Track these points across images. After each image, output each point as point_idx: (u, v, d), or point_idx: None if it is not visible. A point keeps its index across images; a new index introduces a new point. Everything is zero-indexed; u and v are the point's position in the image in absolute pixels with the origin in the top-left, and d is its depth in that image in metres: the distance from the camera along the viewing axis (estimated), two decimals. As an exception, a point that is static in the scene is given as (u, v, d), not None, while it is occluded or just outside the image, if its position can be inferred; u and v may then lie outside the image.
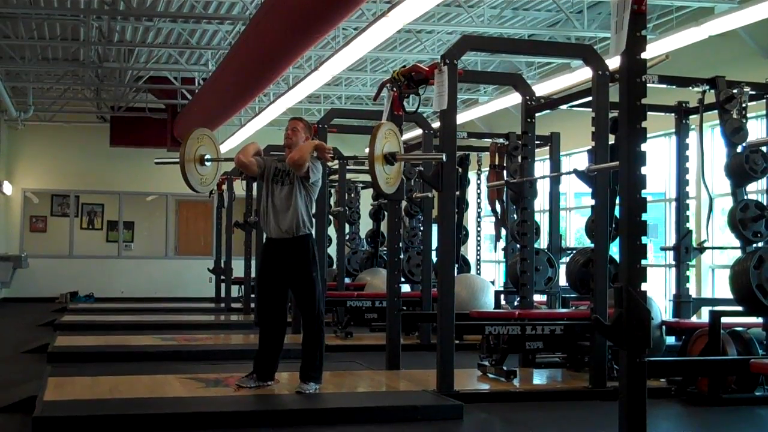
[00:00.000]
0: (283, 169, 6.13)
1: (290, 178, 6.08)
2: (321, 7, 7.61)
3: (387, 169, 6.04)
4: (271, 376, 6.13)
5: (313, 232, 6.23)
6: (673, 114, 7.73)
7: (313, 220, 6.26)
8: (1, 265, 16.13)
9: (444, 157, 6.26)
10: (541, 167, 11.37)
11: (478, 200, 11.40)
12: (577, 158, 13.06)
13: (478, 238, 11.59)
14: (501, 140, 9.26)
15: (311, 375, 5.98)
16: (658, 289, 11.14)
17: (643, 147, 4.20)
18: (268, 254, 6.19)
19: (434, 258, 8.50)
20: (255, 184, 12.24)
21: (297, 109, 16.23)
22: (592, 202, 6.47)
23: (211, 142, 6.77)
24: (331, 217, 11.82)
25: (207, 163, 6.62)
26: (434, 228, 7.66)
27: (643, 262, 4.18)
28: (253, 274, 12.37)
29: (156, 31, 12.72)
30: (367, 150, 5.97)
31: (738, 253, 6.58)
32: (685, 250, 7.75)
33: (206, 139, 6.71)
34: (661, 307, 7.99)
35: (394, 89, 6.74)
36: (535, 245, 8.09)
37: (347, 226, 12.57)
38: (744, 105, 6.74)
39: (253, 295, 12.09)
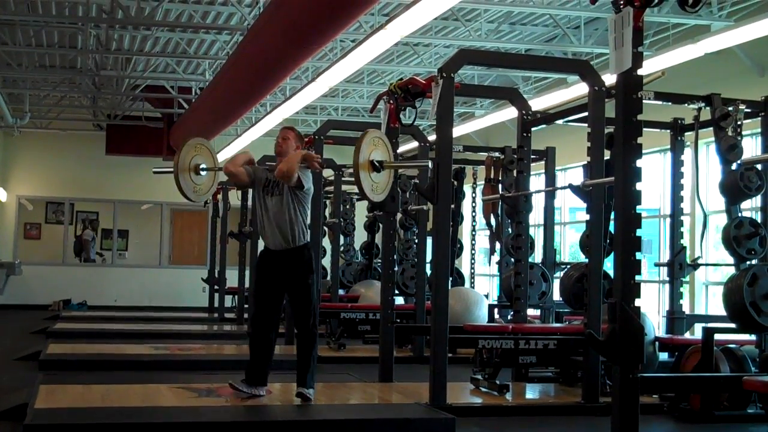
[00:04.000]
0: (274, 179, 6.13)
1: (281, 188, 6.08)
2: (319, 19, 7.63)
3: (374, 176, 6.03)
4: (263, 381, 6.11)
5: (309, 238, 6.22)
6: (668, 130, 7.76)
7: (308, 230, 6.24)
8: (-6, 271, 16.10)
9: (430, 164, 6.27)
10: (537, 181, 11.37)
11: (473, 213, 11.41)
12: (572, 173, 13.07)
13: (473, 252, 11.59)
14: (496, 154, 9.28)
15: (308, 380, 5.99)
16: (652, 305, 11.13)
17: (639, 163, 4.21)
18: (265, 263, 6.18)
19: (428, 271, 8.49)
20: (250, 195, 12.25)
21: (293, 119, 16.24)
22: (587, 217, 6.48)
23: (208, 151, 6.78)
24: (325, 229, 11.81)
25: (202, 173, 6.62)
26: (429, 241, 7.66)
27: (637, 277, 4.19)
28: (247, 284, 12.35)
29: (154, 40, 12.73)
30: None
31: (732, 270, 6.59)
32: (679, 267, 7.76)
33: (203, 149, 6.71)
34: (655, 323, 8.00)
35: (391, 101, 6.77)
36: (530, 259, 8.11)
37: (342, 238, 12.56)
38: (739, 122, 6.76)
39: (246, 306, 12.08)
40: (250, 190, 11.92)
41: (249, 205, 12.34)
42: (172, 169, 6.59)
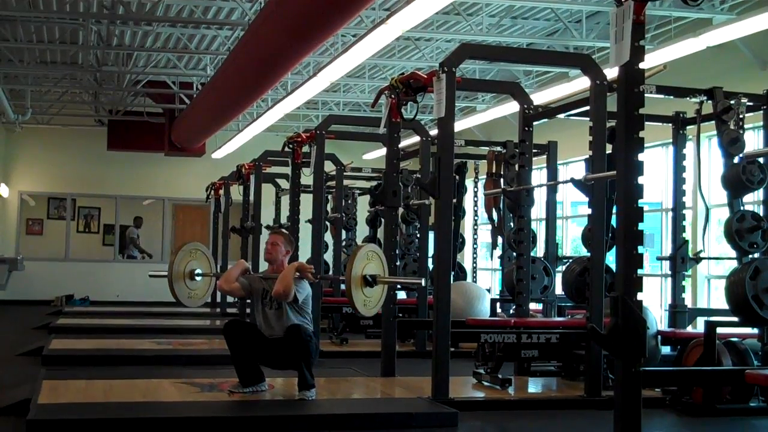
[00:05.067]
0: (270, 292, 6.06)
1: (279, 301, 6.03)
2: (320, 14, 7.62)
3: (367, 291, 6.01)
4: (258, 378, 6.10)
5: (312, 326, 6.17)
6: (670, 124, 7.75)
7: (312, 324, 6.16)
8: (-4, 267, 16.11)
9: (423, 282, 6.26)
10: (539, 176, 11.37)
11: (475, 208, 11.40)
12: (574, 167, 13.07)
13: (475, 246, 11.60)
14: (498, 148, 9.27)
15: (303, 384, 5.96)
16: (654, 299, 11.14)
17: (641, 157, 4.21)
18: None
19: (430, 265, 8.49)
20: (252, 191, 12.25)
21: (295, 114, 16.25)
22: (589, 211, 6.48)
23: (203, 255, 6.82)
24: (327, 224, 11.81)
25: (197, 278, 6.65)
26: (431, 235, 7.66)
27: (639, 271, 4.18)
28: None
29: (155, 36, 12.72)
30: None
31: (734, 264, 6.59)
32: (681, 260, 7.76)
33: (198, 253, 6.76)
34: (657, 317, 8.00)
35: (393, 96, 6.76)
36: (532, 253, 8.11)
37: (344, 233, 12.57)
38: (741, 116, 6.75)
39: (248, 300, 12.07)
40: (252, 186, 12.11)
41: (251, 200, 12.37)
42: (166, 273, 6.65)
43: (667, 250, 8.18)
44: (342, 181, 11.54)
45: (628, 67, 4.19)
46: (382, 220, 8.79)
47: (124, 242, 19.16)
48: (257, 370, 6.10)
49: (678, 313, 7.73)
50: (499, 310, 10.00)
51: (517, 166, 7.83)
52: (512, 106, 11.36)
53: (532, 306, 8.21)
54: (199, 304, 7.32)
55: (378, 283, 6.03)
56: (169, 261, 6.63)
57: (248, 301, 11.77)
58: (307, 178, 9.41)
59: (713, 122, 6.88)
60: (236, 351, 6.07)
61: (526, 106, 7.50)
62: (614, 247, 5.25)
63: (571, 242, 14.02)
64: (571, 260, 8.16)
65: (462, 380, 6.96)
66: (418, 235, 9.71)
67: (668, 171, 9.39)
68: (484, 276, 14.33)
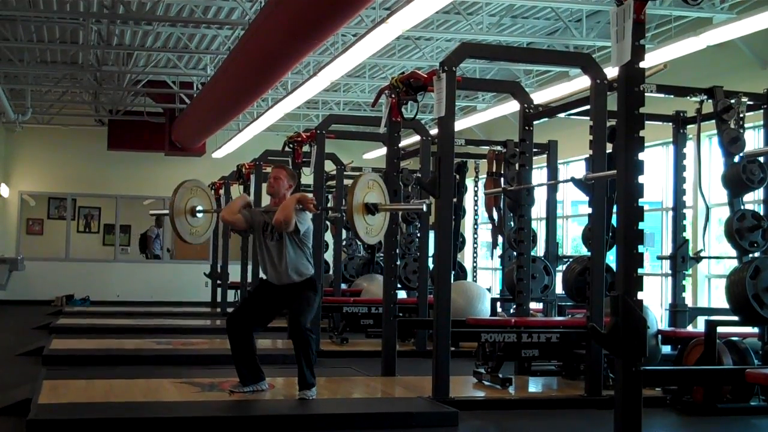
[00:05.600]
0: (271, 223, 6.08)
1: (279, 233, 6.04)
2: (320, 13, 7.62)
3: (369, 219, 6.03)
4: (259, 377, 6.10)
5: (313, 271, 6.17)
6: (670, 123, 7.75)
7: (311, 262, 6.16)
8: (-3, 267, 16.11)
9: (424, 207, 6.38)
10: (539, 175, 11.37)
11: (475, 207, 11.40)
12: (574, 166, 13.07)
13: (475, 245, 11.60)
14: (499, 148, 9.28)
15: (303, 383, 5.96)
16: (655, 298, 11.14)
17: (641, 156, 4.21)
18: (267, 288, 6.17)
19: (431, 265, 8.49)
20: (252, 190, 12.25)
21: (295, 114, 16.26)
22: (589, 210, 6.48)
23: (204, 192, 6.81)
24: (328, 223, 11.81)
25: (199, 215, 6.64)
26: (431, 235, 7.66)
27: (640, 270, 4.18)
28: (249, 279, 12.36)
29: (155, 35, 12.72)
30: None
31: (734, 263, 6.59)
32: (682, 260, 7.76)
33: (198, 191, 6.75)
34: (657, 316, 8.00)
35: (393, 96, 6.76)
36: (532, 253, 8.10)
37: (344, 232, 12.57)
38: (741, 115, 6.75)
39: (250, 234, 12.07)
40: (252, 186, 12.11)
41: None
42: (167, 211, 6.63)
43: (668, 249, 8.18)
44: (342, 181, 11.54)
45: (628, 67, 4.19)
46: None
47: (144, 243, 19.13)
48: (257, 369, 6.09)
49: (678, 312, 7.73)
50: (499, 310, 9.99)
51: (517, 166, 7.83)
52: (512, 106, 11.36)
53: (533, 305, 8.21)
54: (201, 241, 7.30)
55: (379, 211, 6.04)
56: (170, 199, 6.58)
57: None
58: (307, 177, 9.42)
59: (713, 121, 6.88)
60: (237, 348, 6.06)
61: (526, 105, 7.50)
62: (614, 246, 5.24)
63: (572, 241, 14.02)
64: (571, 259, 8.16)
65: (462, 380, 6.96)
66: (419, 235, 9.70)
67: (668, 170, 9.39)
68: (484, 275, 14.33)
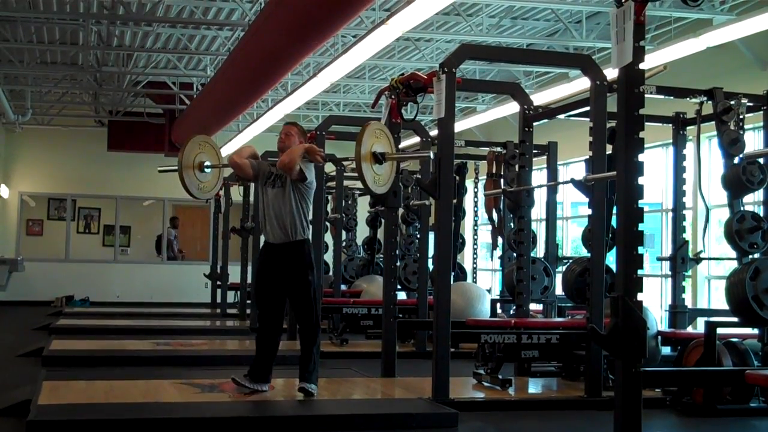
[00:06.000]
0: (277, 172, 6.14)
1: (282, 180, 6.09)
2: (320, 15, 7.63)
3: (376, 168, 6.02)
4: (267, 379, 6.11)
5: (310, 236, 6.23)
6: (670, 125, 7.75)
7: (309, 225, 6.23)
8: (-3, 268, 16.11)
9: (431, 155, 6.32)
10: (539, 176, 11.37)
11: (475, 208, 11.40)
12: (574, 168, 13.07)
13: (475, 246, 11.59)
14: (498, 149, 9.27)
15: (311, 375, 5.98)
16: (654, 300, 11.14)
17: (641, 157, 4.21)
18: (265, 260, 6.20)
19: (431, 266, 8.49)
20: (252, 191, 12.24)
21: (295, 115, 16.23)
22: (589, 211, 6.48)
23: (212, 149, 6.79)
24: (327, 224, 11.81)
25: (207, 170, 6.63)
26: (431, 236, 7.66)
27: (640, 272, 4.18)
28: (249, 280, 12.35)
29: (155, 36, 12.73)
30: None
31: (734, 264, 6.59)
32: (682, 261, 7.75)
33: (207, 146, 6.73)
34: (657, 318, 8.00)
35: (393, 97, 6.75)
36: (532, 254, 8.10)
37: (344, 233, 12.57)
38: (741, 116, 6.75)
39: (249, 301, 12.08)
40: (252, 186, 12.11)
41: (251, 201, 12.35)
42: (176, 168, 6.61)
43: (668, 250, 8.18)
44: (342, 182, 11.54)
45: (628, 68, 4.19)
46: (383, 220, 8.79)
47: (160, 244, 19.10)
48: (268, 371, 6.11)
49: (678, 313, 7.73)
50: (499, 311, 9.99)
51: (517, 167, 7.83)
52: (512, 107, 11.37)
53: (533, 306, 8.20)
54: (209, 197, 7.30)
55: (387, 160, 6.04)
56: (179, 154, 6.58)
57: (249, 296, 11.75)
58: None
59: (713, 123, 6.88)
60: (263, 347, 6.09)
61: (526, 106, 7.49)
62: (614, 247, 5.24)
63: (572, 243, 14.02)
64: (571, 261, 8.16)
65: (462, 381, 6.95)
66: (419, 236, 9.70)
67: (668, 171, 9.40)
68: (484, 276, 14.33)
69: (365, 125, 6.06)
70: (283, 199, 6.06)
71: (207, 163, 6.65)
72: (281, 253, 6.07)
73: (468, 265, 12.18)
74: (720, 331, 6.28)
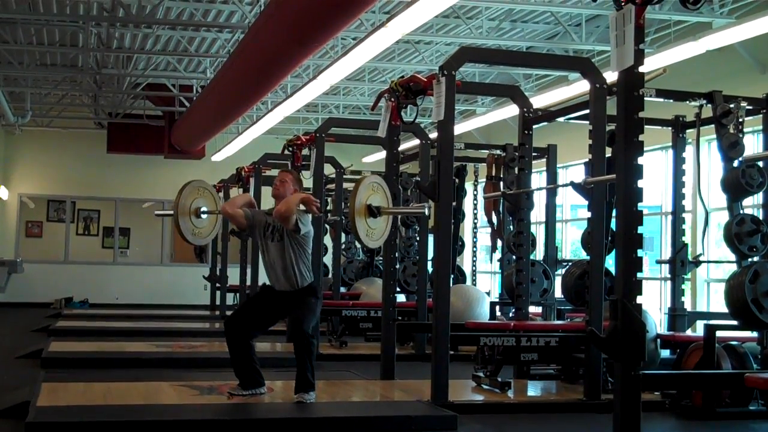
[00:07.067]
0: (273, 224, 6.07)
1: (280, 233, 6.04)
2: (320, 17, 7.63)
3: (371, 222, 6.00)
4: (258, 382, 6.08)
5: (313, 278, 6.18)
6: (670, 128, 7.75)
7: (311, 269, 6.16)
8: (-4, 269, 16.11)
9: (426, 211, 6.38)
10: (538, 179, 11.37)
11: (475, 211, 11.40)
12: (574, 170, 13.08)
13: (474, 249, 11.59)
14: (498, 151, 9.28)
15: (303, 385, 5.94)
16: (654, 303, 11.14)
17: (640, 160, 4.21)
18: (269, 293, 6.17)
19: (430, 268, 8.49)
20: (252, 193, 12.24)
21: (295, 117, 16.26)
22: (589, 214, 6.47)
23: (210, 194, 6.81)
24: (327, 226, 11.81)
25: (203, 216, 6.65)
26: (430, 238, 7.66)
27: (639, 275, 4.19)
28: (248, 282, 12.35)
29: (155, 39, 12.73)
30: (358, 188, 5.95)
31: (733, 267, 6.59)
32: (681, 264, 7.75)
33: (204, 192, 6.75)
34: (657, 321, 8.00)
35: (392, 99, 6.76)
36: (531, 257, 8.10)
37: (343, 235, 12.56)
38: (741, 120, 6.75)
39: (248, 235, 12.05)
40: (253, 186, 12.10)
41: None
42: (172, 212, 6.64)
43: (667, 253, 8.19)
44: (342, 184, 11.54)
45: (627, 71, 4.20)
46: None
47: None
48: (257, 373, 6.08)
49: (677, 316, 7.72)
50: (498, 314, 9.99)
51: (516, 170, 7.83)
52: (512, 110, 11.38)
53: (532, 309, 8.20)
54: (203, 243, 7.33)
55: (382, 214, 6.01)
56: (175, 198, 6.60)
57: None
58: (306, 181, 9.39)
59: (713, 126, 6.88)
60: (235, 351, 6.04)
61: (525, 109, 7.50)
62: (614, 250, 5.24)
63: (571, 245, 14.02)
64: (570, 263, 8.16)
65: (461, 383, 6.95)
66: (418, 238, 9.70)
67: (668, 174, 9.40)
68: (483, 279, 14.32)
69: (361, 178, 6.07)
70: (283, 252, 6.02)
71: (204, 209, 6.67)
72: (286, 297, 6.06)
73: (467, 268, 12.18)
74: (719, 334, 6.28)
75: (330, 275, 12.21)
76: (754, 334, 6.49)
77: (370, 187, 6.00)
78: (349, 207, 5.89)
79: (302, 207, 5.96)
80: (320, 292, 6.24)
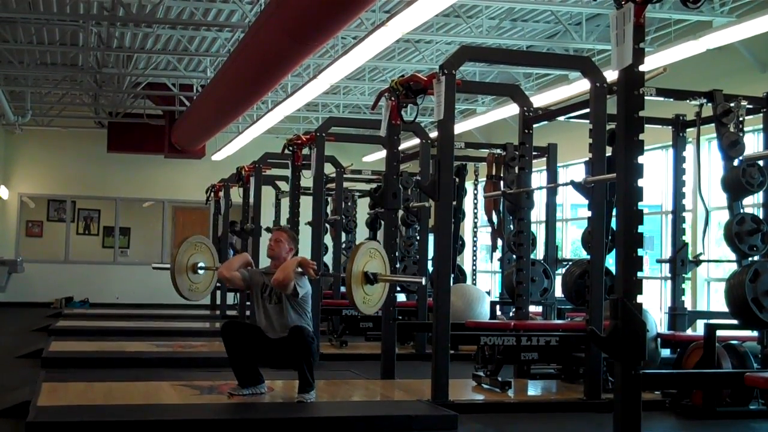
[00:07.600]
0: (271, 286, 6.06)
1: (278, 296, 6.03)
2: (320, 16, 7.62)
3: (368, 288, 5.97)
4: (257, 380, 6.08)
5: (312, 327, 6.17)
6: (670, 127, 7.75)
7: (311, 323, 6.16)
8: (-4, 269, 16.12)
9: (423, 281, 6.46)
10: (538, 178, 11.37)
11: (475, 210, 11.40)
12: (574, 170, 13.07)
13: (474, 248, 11.58)
14: (498, 151, 9.27)
15: (303, 385, 5.94)
16: (654, 302, 11.13)
17: (641, 159, 4.21)
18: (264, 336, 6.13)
19: (430, 267, 8.49)
20: (252, 193, 12.24)
21: (295, 117, 16.26)
22: (589, 213, 6.47)
23: (208, 250, 6.82)
24: (327, 226, 11.81)
25: (200, 272, 6.65)
26: (430, 237, 7.66)
27: (639, 274, 4.18)
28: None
29: (155, 38, 12.73)
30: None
31: (734, 267, 6.58)
32: (681, 263, 7.75)
33: (202, 247, 6.76)
34: (657, 320, 8.00)
35: (393, 98, 6.76)
36: (532, 256, 8.10)
37: (344, 235, 12.56)
38: (741, 118, 6.75)
39: (248, 303, 12.07)
40: (252, 186, 12.10)
41: (251, 202, 12.35)
42: (169, 266, 6.66)
43: (667, 252, 8.19)
44: (342, 184, 11.54)
45: (628, 70, 4.19)
46: (382, 222, 8.78)
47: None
48: (256, 372, 6.09)
49: (678, 315, 7.72)
50: (498, 313, 9.99)
51: (516, 169, 7.83)
52: (512, 109, 11.37)
53: (532, 308, 8.20)
54: (200, 298, 7.34)
55: (379, 281, 6.00)
56: (172, 253, 6.62)
57: (248, 301, 11.76)
58: (307, 180, 9.41)
59: (713, 125, 6.88)
60: (233, 352, 6.05)
61: (525, 108, 7.49)
62: (614, 249, 5.24)
63: (571, 245, 14.02)
64: (570, 263, 8.15)
65: (462, 383, 6.95)
66: (418, 238, 9.70)
67: (668, 174, 9.39)
68: (483, 278, 14.32)
69: (359, 244, 6.04)
70: (282, 313, 6.01)
71: (201, 265, 6.67)
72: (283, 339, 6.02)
73: (468, 267, 12.17)
74: (719, 333, 6.28)
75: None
76: (755, 334, 6.49)
77: (368, 253, 5.96)
78: (345, 273, 5.86)
79: (299, 269, 5.94)
80: (313, 331, 6.18)
